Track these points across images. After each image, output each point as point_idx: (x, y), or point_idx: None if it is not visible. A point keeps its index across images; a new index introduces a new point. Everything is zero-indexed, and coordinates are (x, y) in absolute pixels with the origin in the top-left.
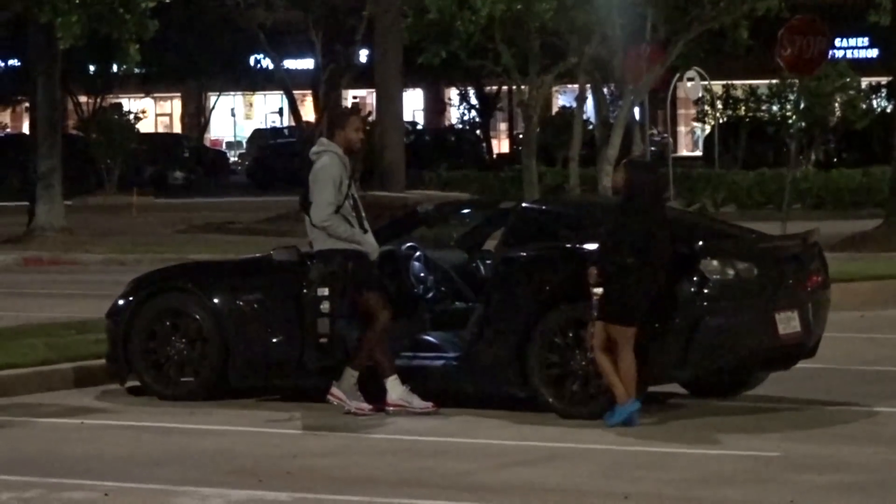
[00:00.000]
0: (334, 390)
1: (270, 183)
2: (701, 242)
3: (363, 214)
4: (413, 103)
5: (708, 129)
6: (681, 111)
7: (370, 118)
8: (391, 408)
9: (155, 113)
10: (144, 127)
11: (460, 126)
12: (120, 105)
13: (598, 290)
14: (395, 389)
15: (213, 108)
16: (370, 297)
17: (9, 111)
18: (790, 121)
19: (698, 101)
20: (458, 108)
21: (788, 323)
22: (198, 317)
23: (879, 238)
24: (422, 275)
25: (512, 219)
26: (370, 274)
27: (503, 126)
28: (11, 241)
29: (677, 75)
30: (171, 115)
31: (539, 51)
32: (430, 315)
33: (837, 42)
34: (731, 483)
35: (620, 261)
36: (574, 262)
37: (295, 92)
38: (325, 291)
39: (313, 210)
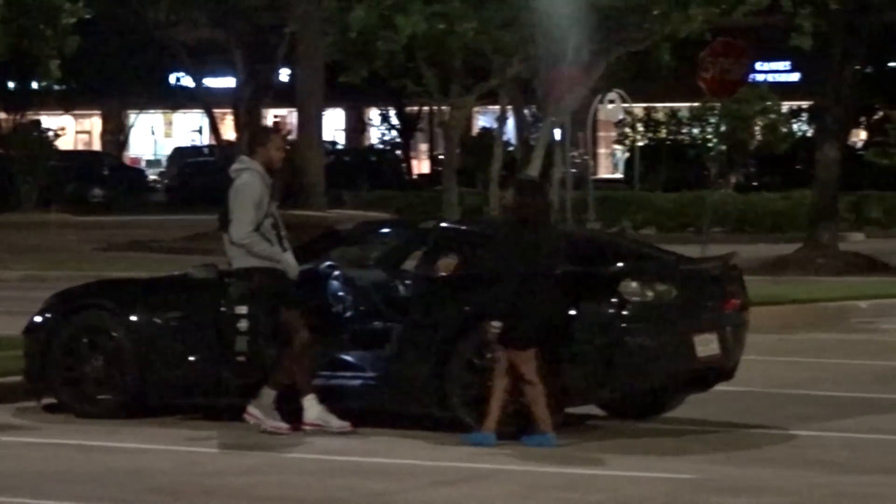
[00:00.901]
0: (251, 409)
1: (190, 201)
2: (620, 264)
3: (283, 233)
4: (334, 123)
5: (628, 152)
6: (601, 133)
7: (290, 137)
8: (308, 427)
9: (75, 130)
10: (64, 144)
11: (381, 146)
12: (39, 122)
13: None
14: (312, 409)
15: (133, 125)
16: (289, 316)
17: None
18: (711, 144)
19: (619, 124)
20: (379, 129)
21: (707, 345)
22: (116, 334)
23: (799, 262)
24: (340, 294)
25: (431, 239)
26: (289, 292)
27: (423, 147)
28: None
29: (598, 97)
30: (90, 133)
31: (461, 71)
32: (348, 334)
33: (759, 66)
34: None
35: (510, 282)
36: (492, 283)
37: (215, 110)
38: (244, 309)
39: (233, 227)
